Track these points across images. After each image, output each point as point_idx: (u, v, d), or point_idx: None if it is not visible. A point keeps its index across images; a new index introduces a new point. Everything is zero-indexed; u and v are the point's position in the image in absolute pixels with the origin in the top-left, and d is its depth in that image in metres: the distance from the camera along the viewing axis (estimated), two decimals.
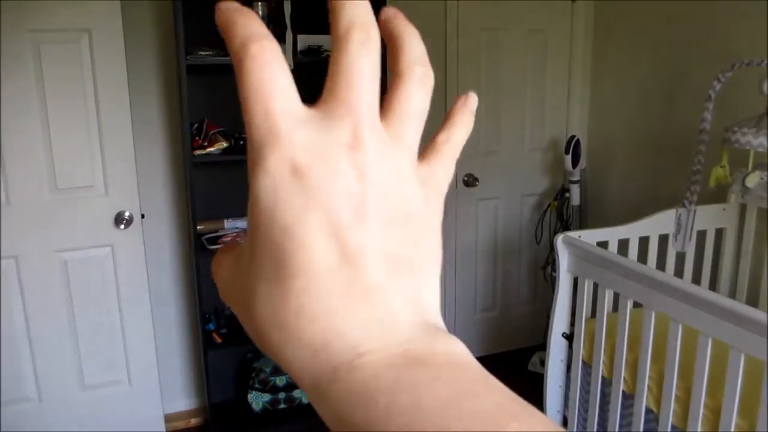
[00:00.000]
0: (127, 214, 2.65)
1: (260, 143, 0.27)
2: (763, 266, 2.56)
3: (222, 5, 0.28)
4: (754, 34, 2.60)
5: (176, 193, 2.90)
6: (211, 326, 2.80)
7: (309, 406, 3.02)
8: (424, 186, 0.31)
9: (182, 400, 3.11)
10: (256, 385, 2.91)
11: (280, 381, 2.94)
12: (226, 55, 2.20)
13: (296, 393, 2.97)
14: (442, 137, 0.35)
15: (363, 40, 0.29)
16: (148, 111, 2.78)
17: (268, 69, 0.28)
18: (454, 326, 3.60)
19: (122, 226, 2.66)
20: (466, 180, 3.42)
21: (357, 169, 0.28)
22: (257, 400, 2.91)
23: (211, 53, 2.52)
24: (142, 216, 2.75)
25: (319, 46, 2.66)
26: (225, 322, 2.84)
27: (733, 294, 2.74)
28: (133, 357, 2.80)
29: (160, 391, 2.92)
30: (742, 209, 2.68)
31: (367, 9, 0.29)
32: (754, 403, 1.88)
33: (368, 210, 0.27)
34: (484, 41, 3.31)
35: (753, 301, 2.68)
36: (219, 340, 2.72)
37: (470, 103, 0.36)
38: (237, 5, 0.28)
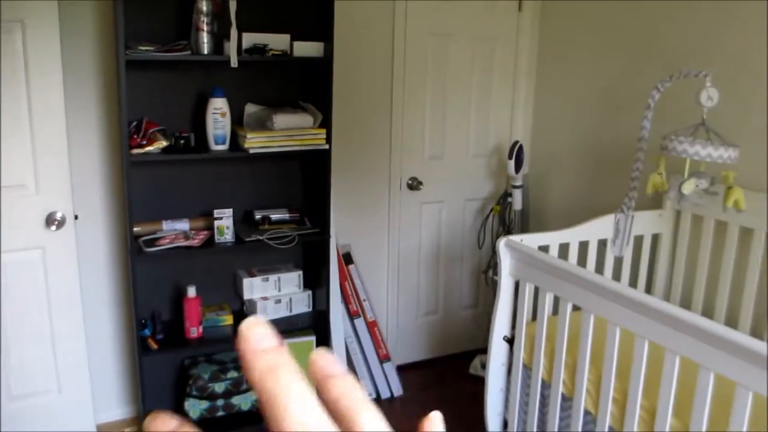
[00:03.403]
0: (59, 214, 2.54)
1: None
2: (696, 270, 2.63)
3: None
4: (694, 47, 2.68)
5: (112, 194, 2.80)
6: (147, 332, 2.71)
7: (249, 413, 2.96)
8: None
9: (115, 409, 3.00)
10: (194, 393, 2.83)
11: (218, 388, 2.86)
12: (168, 50, 2.15)
13: (235, 400, 2.90)
14: None
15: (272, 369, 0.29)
16: (84, 107, 2.67)
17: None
18: (396, 331, 3.59)
19: (54, 228, 2.54)
20: (410, 183, 3.42)
21: None
22: (194, 407, 2.83)
23: (151, 48, 2.44)
24: (76, 217, 2.64)
25: (265, 45, 2.62)
26: (162, 328, 2.75)
27: (667, 297, 2.82)
28: (64, 364, 2.68)
29: (92, 400, 2.81)
30: (677, 215, 2.75)
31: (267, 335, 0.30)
32: (688, 403, 1.93)
33: None
34: (432, 46, 3.32)
35: (686, 304, 2.76)
36: (155, 346, 2.63)
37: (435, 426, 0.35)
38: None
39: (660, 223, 2.74)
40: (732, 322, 2.56)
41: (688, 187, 2.12)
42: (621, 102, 3.04)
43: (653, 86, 2.85)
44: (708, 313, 2.66)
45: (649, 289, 2.90)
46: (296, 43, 2.67)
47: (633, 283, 2.95)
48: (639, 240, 2.89)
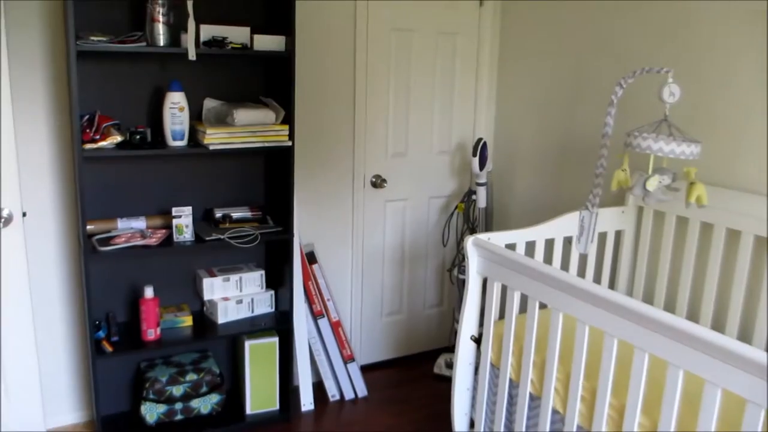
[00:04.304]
0: (6, 212, 2.43)
1: None
2: (658, 266, 2.65)
3: None
4: (655, 43, 2.69)
5: (64, 190, 2.68)
6: (101, 334, 2.61)
7: (208, 416, 2.88)
8: None
9: (67, 414, 2.88)
10: (151, 396, 2.73)
11: (177, 391, 2.78)
12: (122, 42, 2.06)
13: (194, 403, 2.82)
14: None
15: None
16: (33, 100, 2.55)
17: None
18: (360, 330, 3.54)
19: (0, 225, 2.42)
20: (373, 181, 3.37)
21: None
22: (151, 411, 2.74)
23: (104, 39, 2.34)
24: (24, 214, 2.52)
25: (224, 38, 2.54)
26: (117, 330, 2.66)
27: (630, 293, 2.83)
28: (11, 367, 2.56)
29: (42, 404, 2.69)
30: (640, 211, 2.77)
31: None
32: (657, 401, 1.93)
33: None
34: (394, 42, 3.28)
35: (649, 299, 2.78)
36: (110, 349, 2.53)
37: None
38: None
39: (623, 219, 2.75)
40: (693, 316, 2.59)
41: (652, 184, 2.12)
42: (584, 98, 3.05)
43: (616, 82, 2.86)
44: (670, 307, 2.68)
45: (612, 285, 2.91)
46: (256, 37, 2.60)
47: (597, 279, 2.96)
48: (603, 236, 2.90)
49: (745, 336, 2.41)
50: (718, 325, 2.50)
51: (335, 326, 3.21)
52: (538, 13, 3.28)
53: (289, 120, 2.70)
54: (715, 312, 2.51)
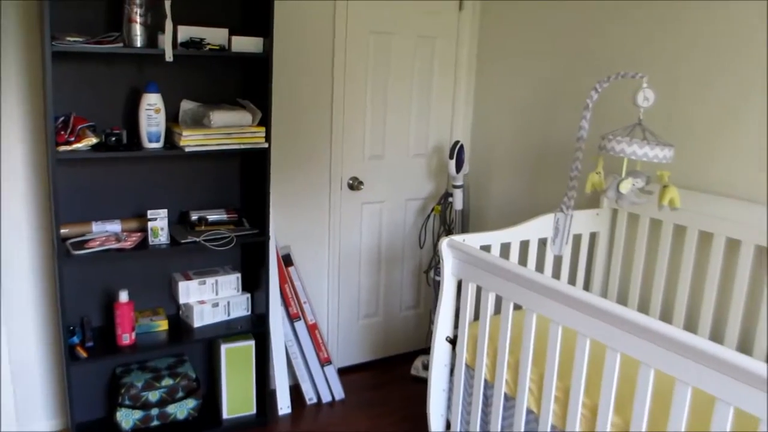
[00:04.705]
0: None
1: None
2: (632, 267, 2.68)
3: None
4: (631, 48, 2.73)
5: (37, 193, 2.65)
6: (76, 339, 2.58)
7: (184, 422, 2.86)
8: None
9: (41, 421, 2.85)
10: (126, 402, 2.71)
11: (153, 396, 2.75)
12: (98, 42, 2.04)
13: (170, 409, 2.80)
14: None
15: None
16: (6, 101, 2.52)
17: None
18: (337, 333, 3.54)
19: None
20: (350, 183, 3.38)
21: None
22: (127, 417, 2.71)
23: (80, 40, 2.32)
24: None
25: (201, 39, 2.53)
26: (91, 335, 2.63)
27: (604, 294, 2.87)
28: None
29: (15, 412, 2.65)
30: (614, 214, 2.80)
31: None
32: (629, 401, 1.95)
33: None
34: (373, 44, 3.29)
35: (623, 300, 2.81)
36: (84, 354, 2.51)
37: None
38: None
39: (597, 221, 2.78)
40: (667, 317, 2.63)
41: (625, 186, 2.15)
42: (560, 102, 3.08)
43: (592, 86, 2.90)
44: (643, 308, 2.72)
45: (587, 287, 2.94)
46: (234, 38, 2.59)
47: (572, 280, 2.99)
48: (578, 238, 2.93)
49: (717, 336, 2.45)
50: (692, 325, 2.53)
51: (312, 329, 3.20)
52: (517, 18, 3.31)
53: (265, 122, 2.70)
54: (688, 312, 2.54)
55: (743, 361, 1.38)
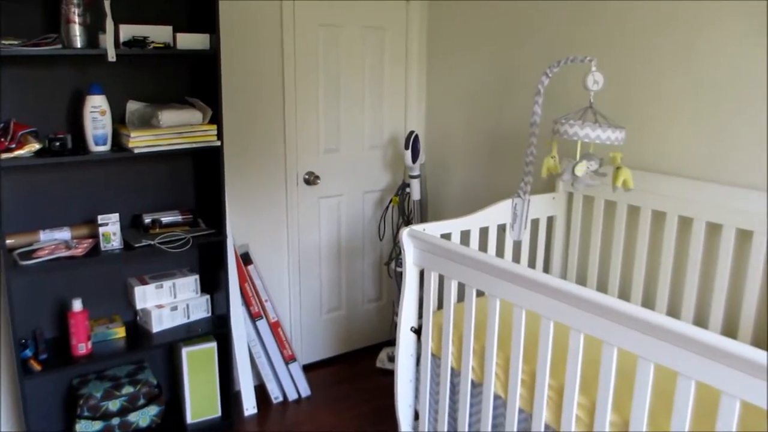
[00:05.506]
0: None
1: None
2: (589, 249, 2.72)
3: None
4: (582, 31, 2.76)
5: None
6: (28, 352, 2.49)
7: (147, 429, 2.79)
8: None
9: None
10: (85, 413, 2.63)
11: (113, 405, 2.68)
12: (35, 44, 1.95)
13: (132, 417, 2.73)
14: None
15: None
16: None
17: None
18: (300, 330, 3.50)
19: None
20: (307, 178, 3.34)
21: None
22: (87, 429, 2.64)
23: (16, 42, 2.23)
24: None
25: (145, 37, 2.46)
26: (45, 347, 2.54)
27: (564, 276, 2.90)
28: None
29: None
30: (570, 197, 2.84)
31: None
32: (594, 381, 1.98)
33: None
34: (322, 37, 3.25)
35: (582, 281, 2.85)
36: (38, 368, 2.42)
37: None
38: None
39: (554, 205, 2.81)
40: (625, 295, 2.67)
41: (580, 169, 2.17)
42: (513, 88, 3.10)
43: (542, 72, 2.92)
44: (602, 288, 2.76)
45: (546, 270, 2.97)
46: (179, 35, 2.53)
47: (531, 264, 3.02)
48: (535, 223, 2.95)
49: (674, 311, 2.50)
50: (649, 302, 2.58)
51: (274, 327, 3.17)
52: (465, 6, 3.32)
53: (216, 119, 2.64)
54: (644, 290, 2.59)
55: (698, 334, 1.40)
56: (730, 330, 2.33)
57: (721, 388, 1.41)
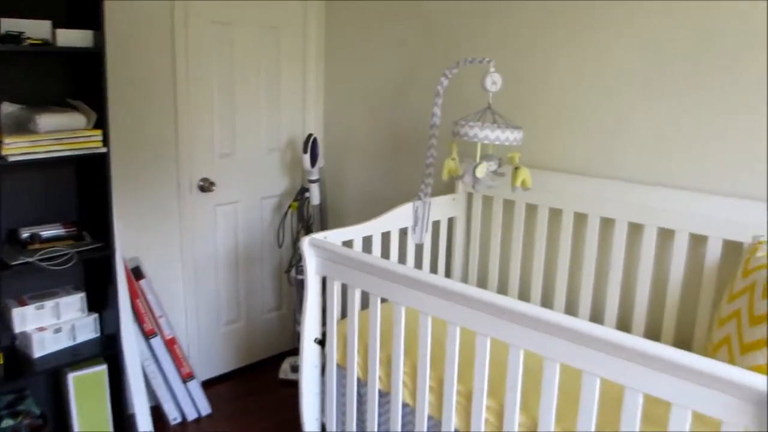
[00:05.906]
0: None
1: None
2: (490, 249, 2.75)
3: None
4: (479, 34, 2.78)
5: None
6: None
7: None
8: None
9: None
10: None
11: (6, 424, 2.45)
12: None
13: None
14: None
15: None
16: None
17: None
18: (198, 345, 3.35)
19: None
20: (201, 185, 3.19)
21: None
22: None
23: None
24: None
25: (20, 33, 2.25)
26: None
27: (465, 278, 2.92)
28: None
29: None
30: (469, 198, 2.86)
31: None
32: (502, 383, 1.98)
33: None
34: (215, 35, 3.11)
35: (482, 283, 2.87)
36: None
37: None
38: None
39: (454, 206, 2.82)
40: (524, 296, 2.71)
41: (481, 171, 2.18)
42: (412, 90, 3.09)
43: (441, 73, 2.93)
44: (503, 289, 2.80)
45: (448, 273, 2.98)
46: (59, 31, 2.34)
47: (434, 268, 3.01)
48: (436, 225, 2.96)
49: (571, 309, 2.57)
50: (548, 301, 2.64)
51: (170, 344, 3.00)
52: (364, 6, 3.28)
53: (102, 124, 2.47)
54: (543, 288, 2.64)
55: (602, 333, 1.42)
56: (623, 324, 2.41)
57: (625, 384, 1.43)
